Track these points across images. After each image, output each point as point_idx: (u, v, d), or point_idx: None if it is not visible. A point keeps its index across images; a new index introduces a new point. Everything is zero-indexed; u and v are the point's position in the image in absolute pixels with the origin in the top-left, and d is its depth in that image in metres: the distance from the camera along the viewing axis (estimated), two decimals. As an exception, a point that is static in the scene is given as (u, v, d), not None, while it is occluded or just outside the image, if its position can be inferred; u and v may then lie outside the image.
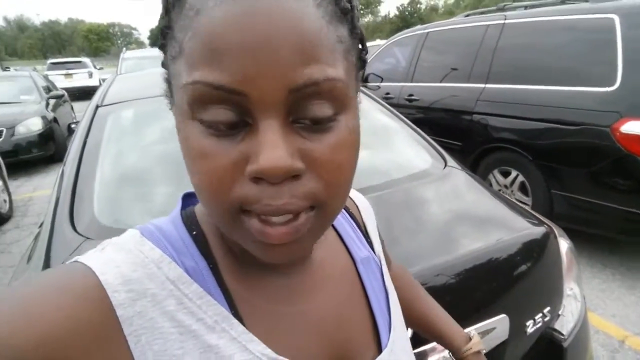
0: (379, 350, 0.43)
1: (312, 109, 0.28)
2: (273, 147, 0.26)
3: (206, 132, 0.28)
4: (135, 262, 0.32)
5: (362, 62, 0.35)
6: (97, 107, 1.63)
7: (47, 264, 1.05)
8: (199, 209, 0.40)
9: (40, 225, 1.53)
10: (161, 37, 0.32)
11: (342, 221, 0.50)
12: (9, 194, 4.37)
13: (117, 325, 0.29)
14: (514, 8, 3.56)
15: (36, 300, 0.28)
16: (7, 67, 22.32)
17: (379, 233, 0.56)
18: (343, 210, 0.51)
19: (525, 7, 3.45)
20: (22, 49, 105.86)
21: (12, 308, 0.27)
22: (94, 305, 0.29)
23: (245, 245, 0.32)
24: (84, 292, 0.29)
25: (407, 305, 0.58)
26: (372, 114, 1.92)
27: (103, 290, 0.29)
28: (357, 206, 0.55)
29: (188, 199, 0.43)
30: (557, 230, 1.28)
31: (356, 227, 0.51)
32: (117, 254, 0.33)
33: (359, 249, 0.48)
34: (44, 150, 5.94)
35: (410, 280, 0.67)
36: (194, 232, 0.37)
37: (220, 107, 0.27)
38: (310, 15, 0.27)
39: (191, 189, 0.36)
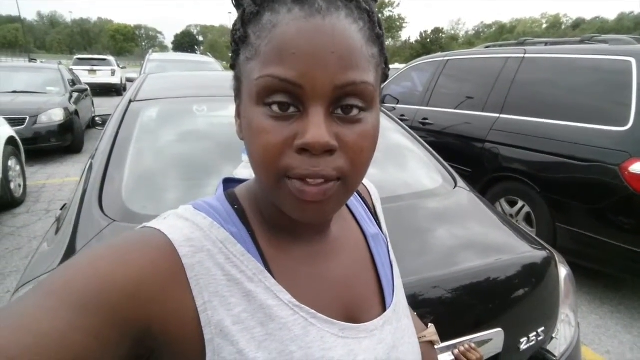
0: (384, 309, 0.51)
1: (349, 103, 0.37)
2: (318, 127, 0.35)
3: (267, 115, 0.37)
4: (193, 227, 0.41)
5: (384, 77, 0.45)
6: (130, 101, 1.73)
7: (74, 237, 1.14)
8: (238, 190, 0.49)
9: (62, 208, 1.62)
10: (234, 44, 0.41)
11: (355, 203, 0.59)
12: (24, 180, 4.51)
13: (183, 270, 0.38)
14: (534, 43, 3.66)
15: (127, 250, 0.37)
16: (33, 59, 22.99)
17: None
18: (356, 194, 0.60)
19: (546, 44, 3.54)
20: (50, 43, 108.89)
21: (109, 255, 0.36)
22: (167, 254, 0.38)
23: (284, 205, 0.39)
24: (160, 245, 0.38)
25: None
26: (390, 134, 1.99)
27: (172, 245, 0.38)
28: (369, 191, 0.64)
29: (227, 183, 0.53)
30: (557, 257, 1.33)
31: (367, 209, 0.60)
32: (177, 221, 0.41)
33: (369, 227, 0.57)
34: (62, 141, 6.10)
35: None
36: (235, 206, 0.46)
37: (282, 95, 0.36)
38: (354, 37, 0.36)
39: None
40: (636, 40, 2.99)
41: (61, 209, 1.62)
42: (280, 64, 0.35)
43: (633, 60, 2.60)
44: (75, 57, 16.00)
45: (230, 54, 0.44)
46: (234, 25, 0.41)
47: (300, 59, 0.35)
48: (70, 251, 1.09)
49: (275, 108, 0.36)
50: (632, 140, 2.47)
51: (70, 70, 9.09)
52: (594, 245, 2.62)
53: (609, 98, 2.68)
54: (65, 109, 6.26)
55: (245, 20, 0.39)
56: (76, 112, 6.70)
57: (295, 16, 0.35)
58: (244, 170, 1.20)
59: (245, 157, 1.23)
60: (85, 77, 12.92)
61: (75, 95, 7.18)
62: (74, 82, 7.93)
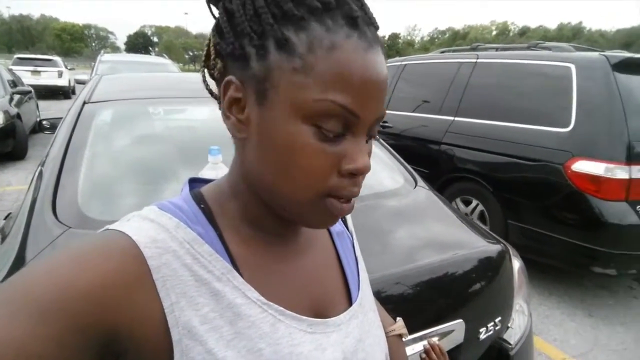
0: (350, 304, 0.52)
1: (372, 133, 0.42)
2: (365, 155, 0.40)
3: (314, 135, 0.38)
4: (158, 228, 0.40)
5: None
6: (84, 103, 1.65)
7: (23, 246, 1.07)
8: (205, 189, 0.49)
9: (6, 217, 1.52)
10: (256, 37, 0.38)
11: None
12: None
13: (149, 272, 0.37)
14: (486, 49, 3.85)
15: (89, 254, 0.36)
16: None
17: None
18: None
19: (497, 49, 3.75)
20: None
21: (70, 260, 0.35)
22: (132, 257, 0.37)
23: (312, 218, 0.43)
24: (124, 247, 0.37)
25: None
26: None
27: (137, 246, 0.37)
28: None
29: (193, 183, 0.52)
30: (511, 250, 1.41)
31: None
32: (142, 223, 0.40)
33: (335, 225, 0.58)
34: (2, 147, 5.67)
35: None
36: (202, 206, 0.46)
37: (337, 120, 0.38)
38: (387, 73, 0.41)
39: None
40: (575, 48, 3.23)
41: (5, 219, 1.52)
42: (344, 91, 0.36)
43: (573, 67, 2.81)
44: (16, 56, 14.90)
45: (231, 43, 0.40)
46: (248, 9, 0.38)
47: (364, 91, 0.37)
48: (20, 260, 1.03)
49: (325, 131, 0.38)
50: (574, 141, 2.66)
51: (10, 71, 8.48)
52: (542, 240, 2.80)
53: (552, 101, 2.87)
54: (5, 112, 5.80)
55: (278, 16, 0.37)
56: (18, 116, 6.24)
57: (357, 45, 0.37)
58: (210, 172, 1.18)
59: (211, 158, 1.21)
60: (28, 78, 12.05)
61: (16, 97, 6.69)
62: (14, 83, 7.38)
